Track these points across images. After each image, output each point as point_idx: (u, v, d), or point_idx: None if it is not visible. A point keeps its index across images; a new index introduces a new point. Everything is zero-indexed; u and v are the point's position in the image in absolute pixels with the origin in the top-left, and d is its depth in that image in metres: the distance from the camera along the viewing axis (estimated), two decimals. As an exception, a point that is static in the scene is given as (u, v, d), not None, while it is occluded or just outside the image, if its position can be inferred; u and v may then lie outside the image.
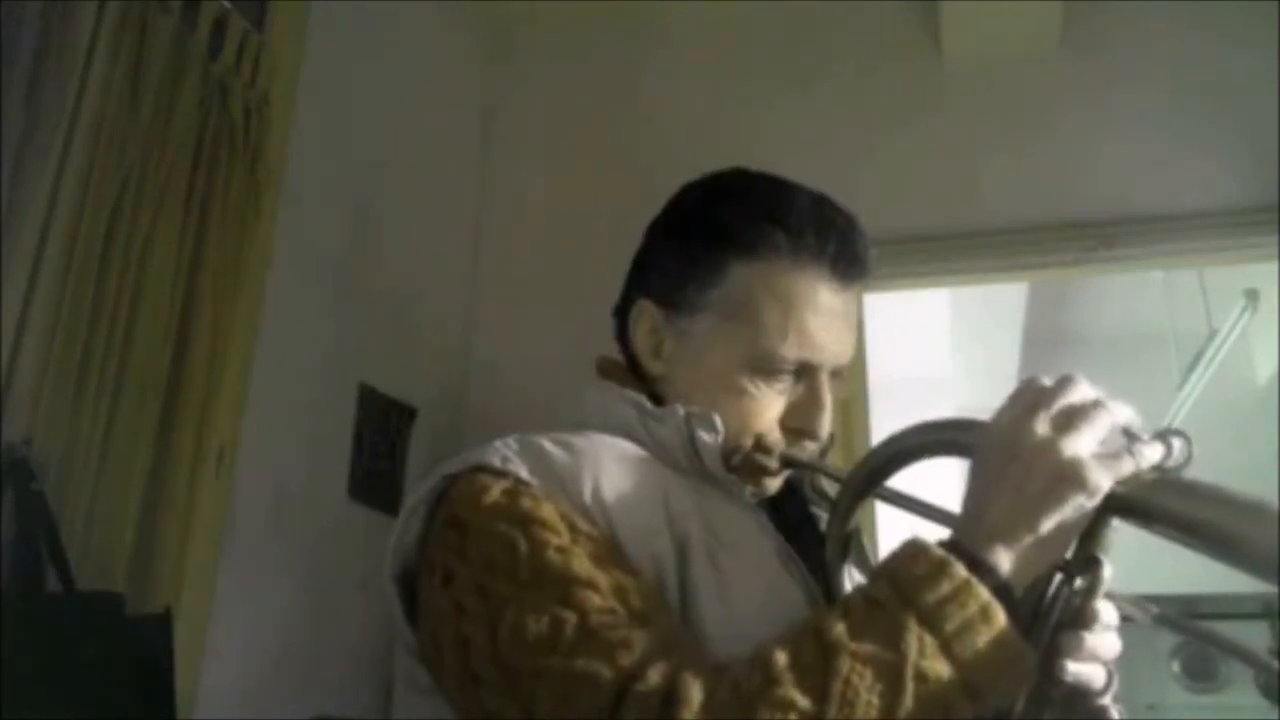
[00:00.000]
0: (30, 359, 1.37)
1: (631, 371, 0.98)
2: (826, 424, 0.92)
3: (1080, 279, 3.17)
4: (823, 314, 0.90)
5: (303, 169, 1.91)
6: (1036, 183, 2.23)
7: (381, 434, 2.13)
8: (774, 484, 0.93)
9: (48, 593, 1.33)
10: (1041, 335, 3.80)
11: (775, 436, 0.91)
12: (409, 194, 2.30)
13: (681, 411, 0.89)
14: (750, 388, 0.90)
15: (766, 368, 0.90)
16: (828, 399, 0.92)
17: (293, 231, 1.87)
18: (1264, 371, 3.76)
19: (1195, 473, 0.71)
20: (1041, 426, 0.70)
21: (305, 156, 1.92)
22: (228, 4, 1.74)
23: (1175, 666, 3.27)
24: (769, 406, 0.90)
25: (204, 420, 1.62)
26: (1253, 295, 3.46)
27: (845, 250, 0.91)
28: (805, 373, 0.91)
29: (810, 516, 0.97)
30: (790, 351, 0.89)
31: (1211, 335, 3.60)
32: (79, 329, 1.43)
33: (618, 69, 2.59)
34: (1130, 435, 0.71)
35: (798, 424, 0.91)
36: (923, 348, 3.50)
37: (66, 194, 1.44)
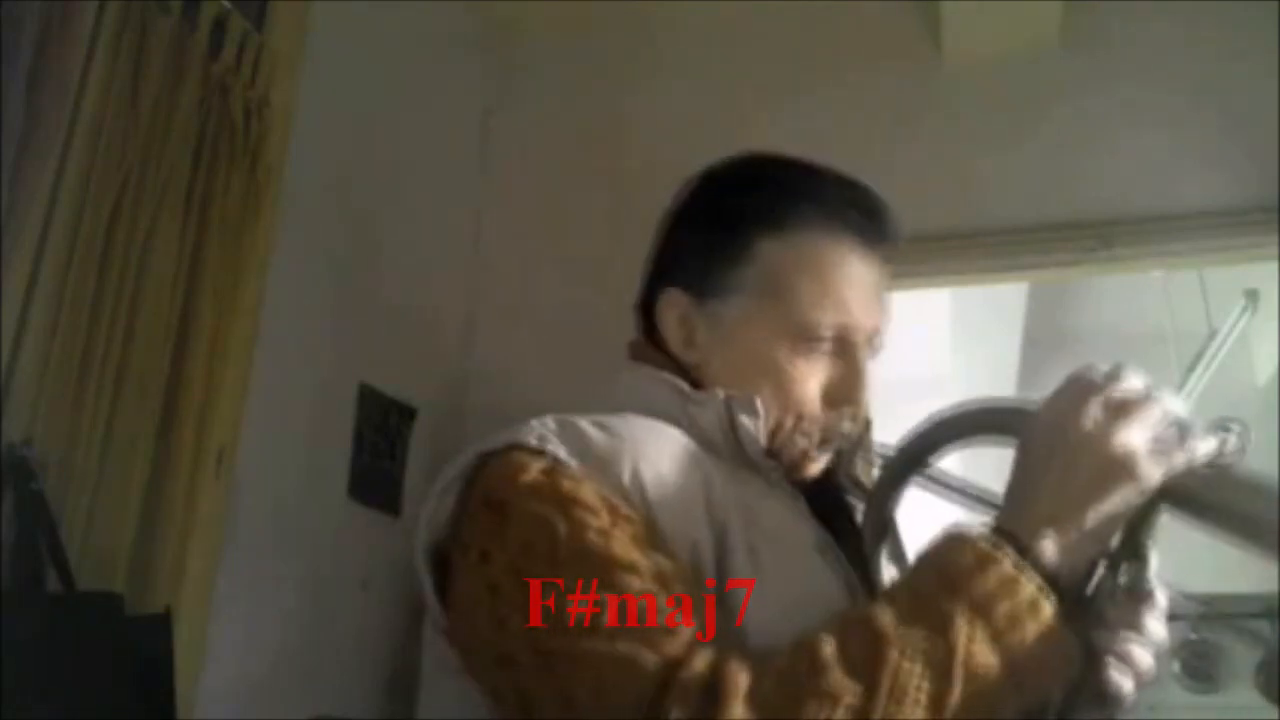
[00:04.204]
0: (30, 359, 1.37)
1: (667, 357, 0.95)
2: (867, 393, 0.90)
3: (1080, 279, 3.16)
4: (855, 282, 0.90)
5: (303, 169, 1.91)
6: (1036, 182, 2.23)
7: (381, 434, 2.12)
8: (817, 465, 0.91)
9: (48, 593, 1.33)
10: (1041, 335, 3.79)
11: (816, 411, 0.89)
12: (409, 194, 2.30)
13: (722, 395, 0.87)
14: (789, 363, 0.89)
15: (806, 338, 0.88)
16: (866, 368, 0.90)
17: (293, 231, 1.87)
18: (1264, 371, 3.76)
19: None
20: (1093, 416, 0.70)
21: (305, 156, 1.91)
22: (228, 4, 1.74)
23: (1175, 666, 3.27)
24: (809, 381, 0.89)
25: (204, 420, 1.62)
26: (1253, 295, 3.45)
27: (871, 218, 0.91)
28: (842, 342, 0.90)
29: (846, 505, 0.95)
30: (828, 318, 0.88)
31: (1211, 335, 3.59)
32: (79, 329, 1.43)
33: (617, 69, 2.59)
34: (1182, 426, 0.71)
35: (839, 395, 0.90)
36: (923, 348, 3.49)
37: (66, 194, 1.44)
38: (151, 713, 1.37)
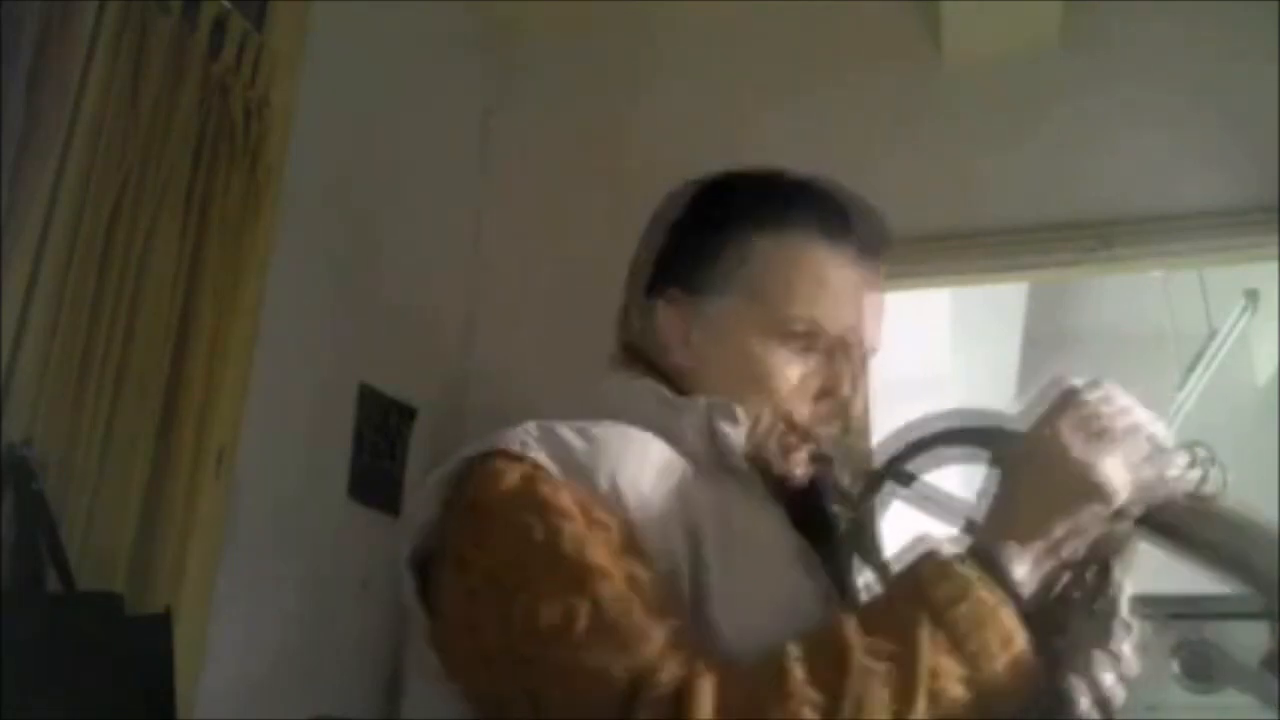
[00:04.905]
0: (30, 359, 1.37)
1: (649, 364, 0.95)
2: (859, 397, 0.91)
3: (1080, 279, 3.16)
4: (850, 286, 0.90)
5: (303, 169, 1.91)
6: (1036, 182, 2.23)
7: (381, 434, 2.13)
8: (801, 470, 0.91)
9: (48, 593, 1.33)
10: (1041, 335, 3.79)
11: (805, 414, 0.89)
12: (409, 194, 2.30)
13: (702, 402, 0.87)
14: (779, 365, 0.89)
15: (798, 339, 0.89)
16: (860, 372, 0.90)
17: (293, 231, 1.87)
18: (1264, 371, 3.75)
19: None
20: (1072, 433, 0.71)
21: (305, 156, 1.91)
22: (228, 4, 1.74)
23: (1175, 666, 3.27)
24: (799, 384, 0.89)
25: (204, 420, 1.62)
26: (1253, 295, 3.46)
27: (866, 224, 0.92)
28: (833, 345, 0.90)
29: (829, 513, 0.96)
30: (821, 319, 0.89)
31: (1211, 335, 3.60)
32: (79, 329, 1.43)
33: (617, 69, 2.59)
34: (1157, 445, 0.72)
35: (831, 398, 0.90)
36: (922, 348, 3.49)
37: (66, 194, 1.44)
38: (151, 713, 1.37)
